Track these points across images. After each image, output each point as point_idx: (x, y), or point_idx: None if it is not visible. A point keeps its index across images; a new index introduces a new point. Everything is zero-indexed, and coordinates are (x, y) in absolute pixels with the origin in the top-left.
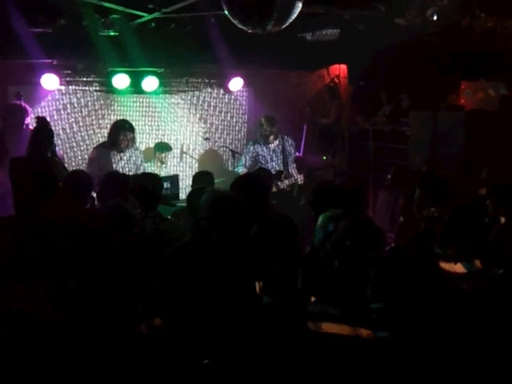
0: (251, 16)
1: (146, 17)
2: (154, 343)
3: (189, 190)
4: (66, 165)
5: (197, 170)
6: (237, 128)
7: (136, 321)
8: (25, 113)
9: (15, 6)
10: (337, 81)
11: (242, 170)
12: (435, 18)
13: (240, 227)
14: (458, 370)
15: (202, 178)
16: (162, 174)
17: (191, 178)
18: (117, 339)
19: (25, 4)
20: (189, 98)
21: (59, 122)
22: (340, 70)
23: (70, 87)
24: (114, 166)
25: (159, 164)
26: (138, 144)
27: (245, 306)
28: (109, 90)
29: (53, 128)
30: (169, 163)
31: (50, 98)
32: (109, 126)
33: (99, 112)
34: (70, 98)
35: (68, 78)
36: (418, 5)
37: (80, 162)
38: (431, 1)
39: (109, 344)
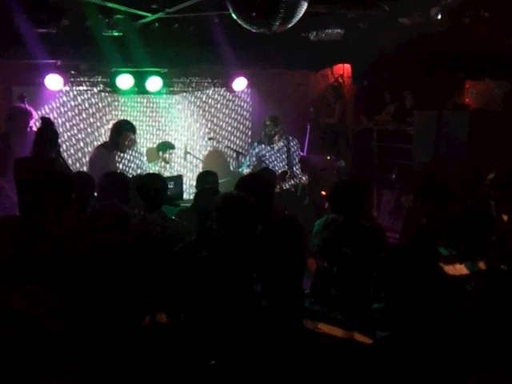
0: (257, 16)
1: (150, 17)
2: (159, 341)
3: (193, 190)
4: (71, 165)
5: (201, 171)
6: (241, 128)
7: (143, 320)
8: (29, 116)
9: (19, 6)
10: (341, 80)
11: (246, 171)
12: (439, 17)
13: (249, 228)
14: (459, 370)
15: (206, 178)
16: (166, 174)
17: (195, 179)
18: (123, 339)
19: (29, 4)
20: (193, 98)
21: (63, 123)
22: (344, 69)
23: (74, 87)
24: (116, 166)
25: (164, 164)
26: (141, 144)
27: (246, 306)
28: (113, 90)
29: (57, 129)
30: (173, 163)
31: (54, 98)
32: None
33: (103, 112)
34: (74, 99)
35: (72, 79)
36: (422, 4)
37: (85, 163)
38: (435, 0)
39: (114, 344)
